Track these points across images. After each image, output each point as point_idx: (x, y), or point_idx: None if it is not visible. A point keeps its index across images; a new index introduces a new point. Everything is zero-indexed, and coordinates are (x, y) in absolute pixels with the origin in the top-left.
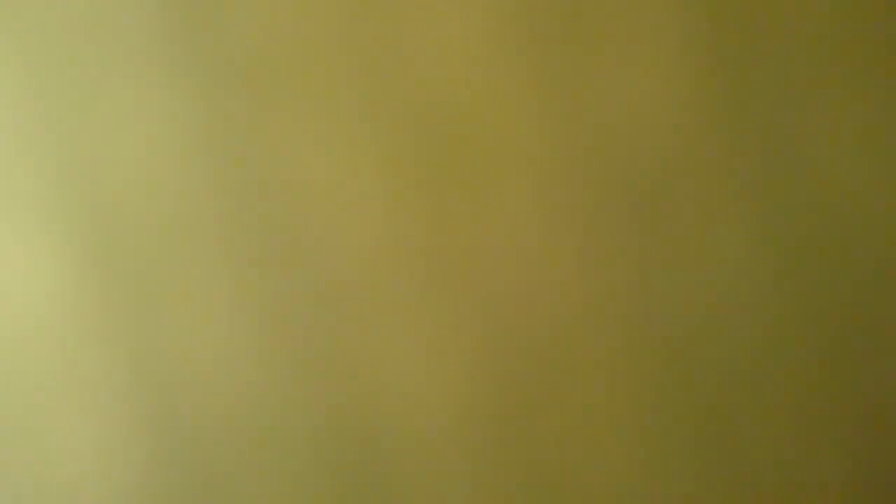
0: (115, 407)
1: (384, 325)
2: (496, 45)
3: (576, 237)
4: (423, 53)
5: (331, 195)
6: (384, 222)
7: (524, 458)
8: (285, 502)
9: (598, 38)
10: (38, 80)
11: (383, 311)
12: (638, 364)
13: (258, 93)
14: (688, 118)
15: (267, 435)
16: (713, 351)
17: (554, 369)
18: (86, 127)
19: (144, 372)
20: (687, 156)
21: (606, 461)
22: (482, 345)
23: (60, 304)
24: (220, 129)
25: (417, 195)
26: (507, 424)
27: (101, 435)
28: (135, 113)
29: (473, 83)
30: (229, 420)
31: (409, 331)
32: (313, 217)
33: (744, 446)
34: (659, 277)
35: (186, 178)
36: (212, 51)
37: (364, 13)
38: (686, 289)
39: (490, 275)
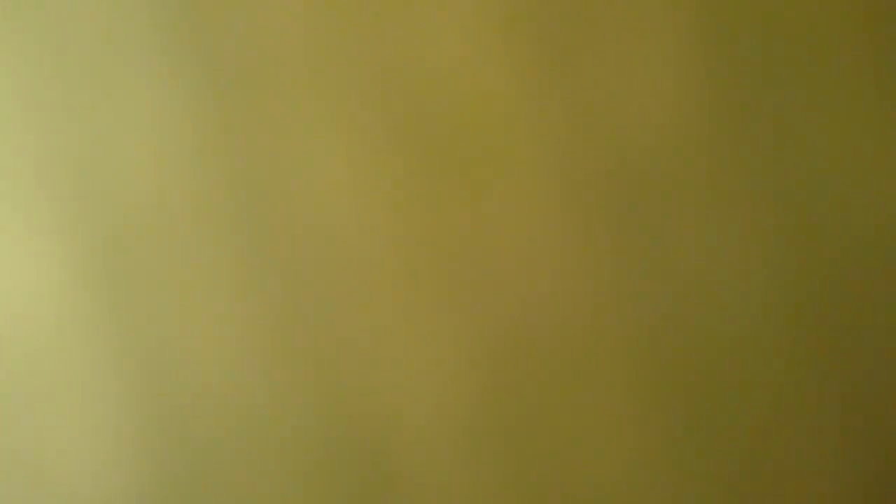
0: (115, 406)
1: (387, 324)
2: (497, 45)
3: (576, 234)
4: (426, 54)
5: (333, 195)
6: (387, 221)
7: (524, 453)
8: (285, 498)
9: (599, 37)
10: (39, 80)
11: (386, 309)
12: (638, 359)
13: (259, 94)
14: (689, 116)
15: (267, 433)
16: (714, 348)
17: (553, 364)
18: (89, 127)
19: (145, 371)
20: (688, 154)
21: (607, 458)
22: (483, 342)
23: (62, 304)
24: (221, 128)
25: (420, 193)
26: (507, 419)
27: (100, 434)
28: (137, 112)
29: (475, 82)
30: (229, 419)
31: (412, 328)
32: (315, 215)
33: (745, 441)
34: (657, 273)
35: (186, 177)
36: (213, 51)
37: (367, 13)
38: (686, 286)
39: (491, 273)
